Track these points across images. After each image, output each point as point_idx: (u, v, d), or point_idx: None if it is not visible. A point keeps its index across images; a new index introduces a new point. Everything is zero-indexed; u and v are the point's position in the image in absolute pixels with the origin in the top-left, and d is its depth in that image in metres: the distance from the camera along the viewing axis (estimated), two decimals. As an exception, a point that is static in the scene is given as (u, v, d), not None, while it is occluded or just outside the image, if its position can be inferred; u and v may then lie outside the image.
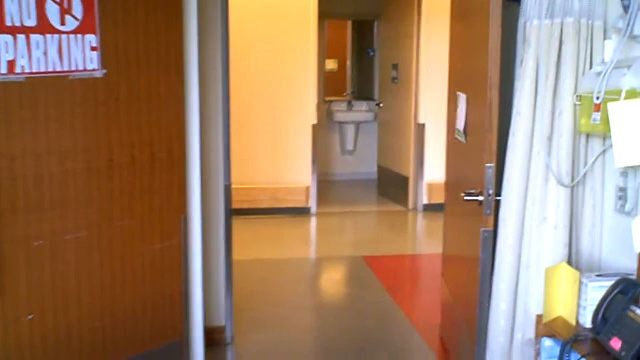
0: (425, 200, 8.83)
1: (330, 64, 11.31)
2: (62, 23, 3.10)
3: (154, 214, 3.65)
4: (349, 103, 11.14)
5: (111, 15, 3.29)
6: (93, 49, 3.22)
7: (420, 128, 8.68)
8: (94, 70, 3.24)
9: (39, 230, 3.16)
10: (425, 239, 7.86)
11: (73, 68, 3.16)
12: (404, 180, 9.06)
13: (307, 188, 8.62)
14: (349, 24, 11.37)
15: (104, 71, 3.28)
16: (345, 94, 11.38)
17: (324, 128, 10.79)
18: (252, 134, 8.49)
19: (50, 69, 3.09)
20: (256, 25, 8.37)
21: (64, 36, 3.11)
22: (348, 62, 11.54)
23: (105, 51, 3.28)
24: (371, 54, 11.00)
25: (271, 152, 8.59)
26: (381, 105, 9.80)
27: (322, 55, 10.78)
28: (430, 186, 8.66)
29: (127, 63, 3.41)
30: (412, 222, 8.66)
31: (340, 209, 9.14)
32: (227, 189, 4.57)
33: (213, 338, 4.68)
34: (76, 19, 3.14)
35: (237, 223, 7.87)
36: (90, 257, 3.38)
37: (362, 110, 11.04)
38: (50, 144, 3.16)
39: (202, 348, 4.15)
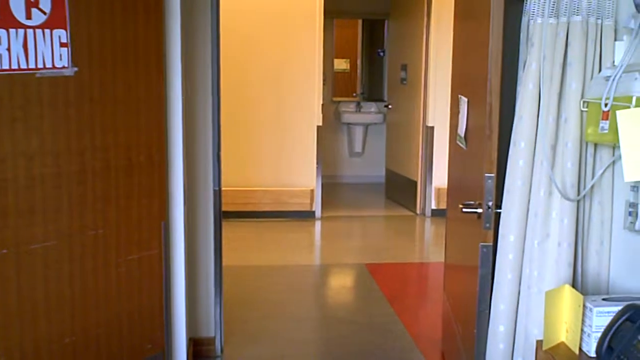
0: (433, 206, 8.60)
1: (342, 64, 11.08)
2: (28, 17, 2.88)
3: (131, 222, 3.43)
4: (358, 104, 10.90)
5: (84, 8, 3.07)
6: (63, 45, 3.00)
7: (429, 131, 8.44)
8: (63, 68, 3.02)
9: (2, 239, 2.94)
10: (432, 246, 7.60)
11: (40, 66, 2.94)
12: (412, 184, 8.82)
13: (312, 191, 8.39)
14: (360, 23, 11.11)
15: (75, 69, 3.06)
16: (354, 94, 11.13)
17: (332, 129, 10.58)
18: (256, 135, 8.29)
19: (14, 67, 2.87)
20: (260, 24, 8.16)
21: (29, 31, 2.89)
22: (359, 62, 11.29)
23: (77, 48, 3.06)
24: (381, 54, 10.75)
25: (275, 154, 8.37)
26: (390, 106, 9.55)
27: (331, 55, 10.56)
28: (439, 191, 8.42)
29: (102, 60, 3.19)
30: (420, 228, 8.41)
31: (346, 213, 8.91)
32: (217, 194, 4.34)
33: (201, 350, 4.48)
34: (44, 12, 2.92)
35: (239, 226, 7.75)
36: (60, 268, 3.16)
37: (371, 112, 10.80)
38: (16, 147, 2.94)
39: (185, 362, 3.94)
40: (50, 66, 2.97)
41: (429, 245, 7.81)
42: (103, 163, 3.25)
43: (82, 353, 3.29)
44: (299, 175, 8.38)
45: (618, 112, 2.33)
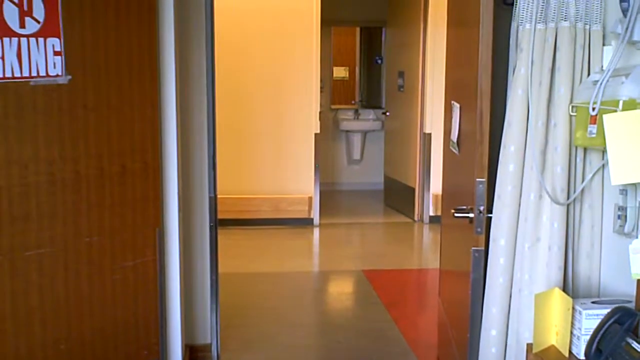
0: (431, 212, 8.60)
1: (341, 72, 11.11)
2: (22, 26, 2.90)
3: (126, 229, 3.45)
4: (356, 112, 10.92)
5: (77, 17, 3.10)
6: (56, 53, 3.03)
7: (427, 138, 8.46)
8: (57, 76, 3.04)
9: (-4, 246, 2.97)
10: (430, 253, 7.60)
11: (34, 74, 2.97)
12: (410, 191, 8.83)
13: (310, 198, 8.40)
14: (358, 30, 11.14)
15: (69, 77, 3.09)
16: (353, 102, 11.16)
17: (331, 137, 10.61)
18: (254, 142, 8.30)
19: (8, 75, 2.90)
20: (257, 32, 8.18)
21: (23, 40, 2.92)
22: (357, 70, 11.31)
23: (71, 56, 3.08)
24: (379, 61, 10.78)
25: (273, 162, 8.38)
26: (387, 114, 9.57)
27: (329, 62, 10.60)
28: (437, 197, 8.41)
29: (96, 68, 3.21)
30: (418, 235, 8.42)
31: (345, 220, 8.93)
32: (212, 201, 4.35)
33: (198, 357, 4.48)
34: (37, 21, 2.95)
35: (237, 234, 7.77)
36: (54, 275, 3.18)
37: (369, 119, 10.82)
38: (10, 155, 2.97)
39: (181, 369, 3.95)
40: (44, 74, 3.00)
41: (427, 251, 7.81)
42: (97, 170, 3.27)
43: (78, 358, 3.30)
44: (297, 183, 8.40)
45: (605, 116, 2.35)
